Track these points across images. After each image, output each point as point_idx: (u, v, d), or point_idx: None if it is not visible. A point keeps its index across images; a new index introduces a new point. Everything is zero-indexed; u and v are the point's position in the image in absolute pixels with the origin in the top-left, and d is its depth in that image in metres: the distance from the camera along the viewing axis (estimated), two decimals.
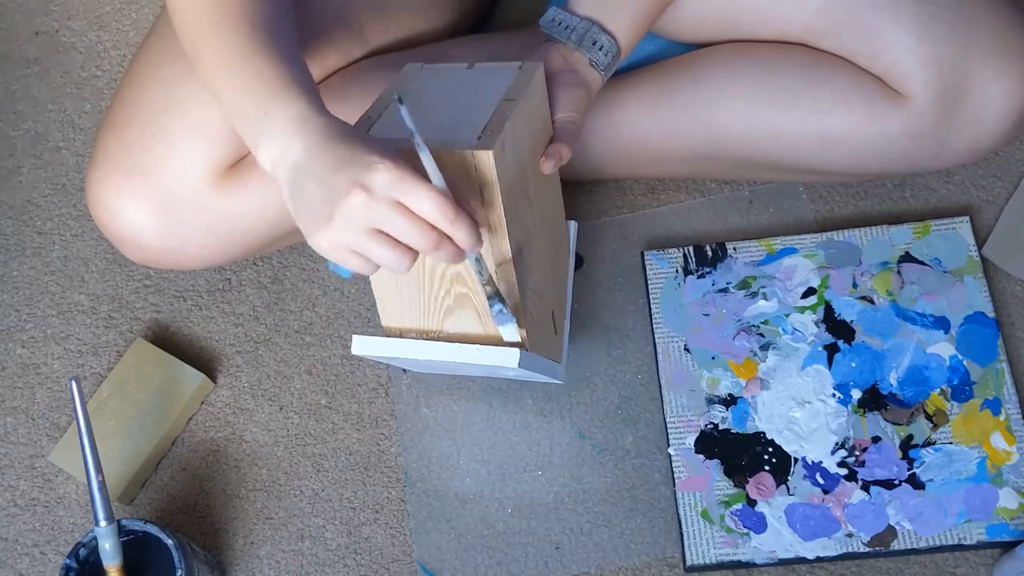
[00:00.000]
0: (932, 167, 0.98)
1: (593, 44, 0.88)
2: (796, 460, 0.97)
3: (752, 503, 0.96)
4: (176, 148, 0.89)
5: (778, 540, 0.95)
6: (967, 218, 1.05)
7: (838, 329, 1.01)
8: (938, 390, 0.99)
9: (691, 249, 1.07)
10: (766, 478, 0.97)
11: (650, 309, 1.05)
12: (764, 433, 0.99)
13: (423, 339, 0.89)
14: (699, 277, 1.05)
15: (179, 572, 0.88)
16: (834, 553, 0.94)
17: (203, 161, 0.90)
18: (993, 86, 0.91)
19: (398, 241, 0.71)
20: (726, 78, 1.00)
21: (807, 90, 0.96)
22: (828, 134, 0.96)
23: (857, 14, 0.93)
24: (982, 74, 0.91)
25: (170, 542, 0.89)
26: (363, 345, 0.88)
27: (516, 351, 0.85)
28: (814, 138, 0.97)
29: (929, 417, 0.98)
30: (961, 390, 0.98)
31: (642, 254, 1.08)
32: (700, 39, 1.03)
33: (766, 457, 0.98)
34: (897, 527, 0.94)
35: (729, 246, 1.06)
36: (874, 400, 0.99)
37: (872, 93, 0.94)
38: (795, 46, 0.98)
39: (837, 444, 0.97)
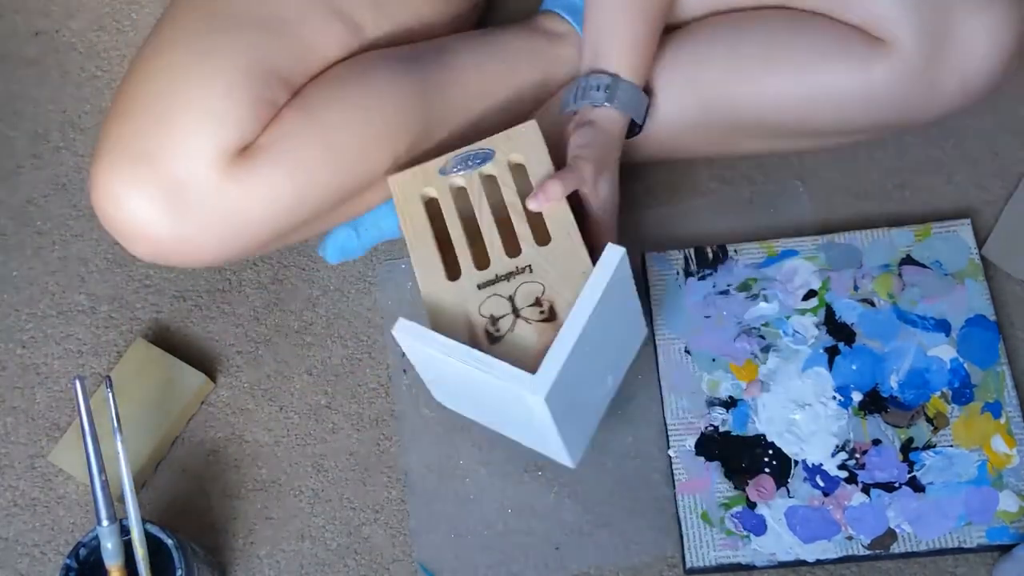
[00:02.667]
0: (926, 115, 0.97)
1: (595, 89, 0.98)
2: (796, 462, 0.97)
3: (752, 505, 0.96)
4: (182, 132, 0.88)
5: (778, 543, 0.95)
6: (968, 220, 1.05)
7: (839, 331, 1.01)
8: (939, 393, 0.99)
9: (692, 251, 1.07)
10: (766, 480, 0.97)
11: (650, 311, 1.05)
12: (764, 435, 0.99)
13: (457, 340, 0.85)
14: (700, 279, 1.05)
15: (179, 572, 0.88)
16: (834, 556, 0.94)
17: (210, 145, 0.89)
18: (975, 20, 0.90)
19: None
20: (707, 42, 1.02)
21: (788, 47, 0.98)
22: (813, 89, 0.97)
23: None
24: (963, 9, 0.90)
25: (170, 542, 0.89)
26: (406, 330, 0.86)
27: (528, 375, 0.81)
28: (800, 95, 0.98)
29: (930, 420, 0.98)
30: (962, 393, 0.98)
31: (642, 255, 1.08)
32: (683, 18, 1.06)
33: (766, 459, 0.98)
34: (897, 530, 0.94)
35: (730, 248, 1.06)
36: (875, 403, 0.99)
37: (854, 43, 0.95)
38: (773, 9, 0.99)
39: (837, 447, 0.97)
